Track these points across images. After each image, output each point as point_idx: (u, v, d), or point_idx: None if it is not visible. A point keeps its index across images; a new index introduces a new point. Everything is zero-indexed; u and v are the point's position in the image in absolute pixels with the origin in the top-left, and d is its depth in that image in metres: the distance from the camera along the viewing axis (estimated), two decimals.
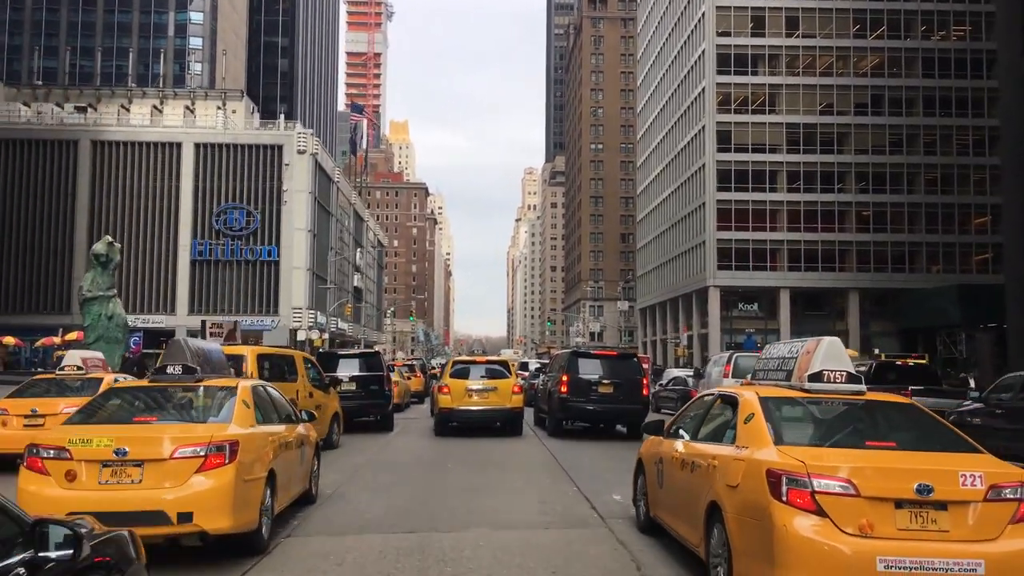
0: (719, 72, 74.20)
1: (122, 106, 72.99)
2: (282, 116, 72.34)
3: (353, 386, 20.23)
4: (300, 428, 9.21)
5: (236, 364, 13.13)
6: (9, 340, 52.49)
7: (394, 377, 29.14)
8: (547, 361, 61.47)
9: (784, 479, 5.30)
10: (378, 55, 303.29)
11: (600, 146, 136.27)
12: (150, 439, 6.77)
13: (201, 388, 7.83)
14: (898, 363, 20.41)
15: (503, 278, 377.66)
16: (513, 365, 22.00)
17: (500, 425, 19.21)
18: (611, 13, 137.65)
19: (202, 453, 6.63)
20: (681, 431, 7.58)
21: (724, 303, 73.57)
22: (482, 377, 18.98)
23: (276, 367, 14.23)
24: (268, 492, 7.35)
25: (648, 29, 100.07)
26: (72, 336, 49.61)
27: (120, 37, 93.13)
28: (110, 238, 44.04)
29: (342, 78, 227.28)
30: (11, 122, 67.99)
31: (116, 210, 66.31)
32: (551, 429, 18.97)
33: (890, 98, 73.58)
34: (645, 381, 18.07)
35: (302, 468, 9.04)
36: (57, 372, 14.21)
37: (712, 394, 7.70)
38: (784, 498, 5.27)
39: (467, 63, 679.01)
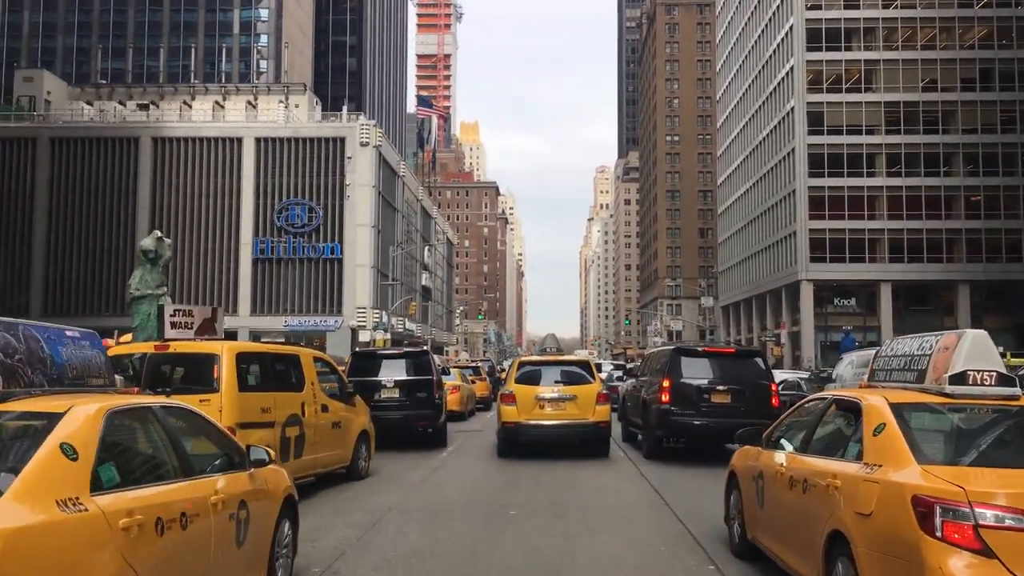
0: (809, 48, 68.57)
1: (184, 102, 71.30)
2: (344, 108, 69.49)
3: (396, 393, 16.45)
4: (242, 480, 5.27)
5: (203, 368, 9.33)
6: None
7: (453, 381, 25.42)
8: (623, 363, 56.85)
9: (937, 509, 4.41)
10: (448, 57, 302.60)
11: (676, 138, 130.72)
12: None
13: None
14: None
15: (575, 280, 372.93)
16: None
17: (580, 443, 15.29)
18: None
19: None
20: (783, 441, 6.71)
21: (817, 299, 67.87)
22: (557, 382, 15.04)
23: (270, 372, 10.38)
24: None
25: (728, 9, 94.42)
26: (126, 338, 47.26)
27: (186, 36, 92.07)
28: (159, 233, 41.14)
29: (411, 80, 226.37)
30: (73, 121, 66.75)
31: (177, 208, 64.40)
32: (648, 450, 14.77)
33: (1001, 72, 66.88)
34: (774, 387, 13.68)
35: (240, 554, 5.07)
36: None
37: (823, 399, 6.79)
38: (938, 533, 4.38)
39: (536, 64, 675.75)
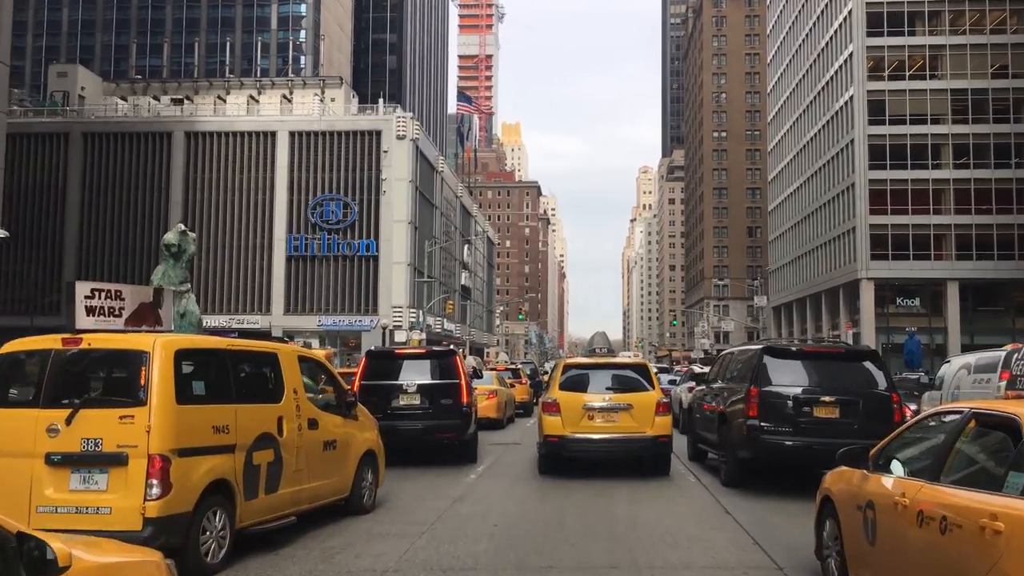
0: (869, 34, 64.69)
1: (218, 97, 69.73)
2: (381, 100, 67.24)
3: (417, 399, 13.95)
4: None
5: (127, 371, 6.73)
6: None
7: (490, 384, 22.76)
8: (666, 366, 53.07)
9: None
10: (489, 57, 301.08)
11: (723, 134, 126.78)
12: None
13: None
14: None
15: (617, 282, 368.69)
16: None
17: (636, 461, 12.89)
18: None
19: None
20: (897, 463, 5.46)
21: (878, 298, 63.96)
22: (608, 389, 12.73)
23: (231, 377, 7.63)
24: None
25: None
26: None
27: (223, 32, 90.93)
28: (183, 226, 39.20)
29: (452, 80, 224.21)
30: (106, 116, 65.42)
31: (209, 204, 62.69)
32: (728, 475, 11.82)
33: None
34: (896, 399, 10.66)
35: None
36: None
37: (955, 412, 5.28)
38: None
39: (578, 65, 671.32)
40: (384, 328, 36.81)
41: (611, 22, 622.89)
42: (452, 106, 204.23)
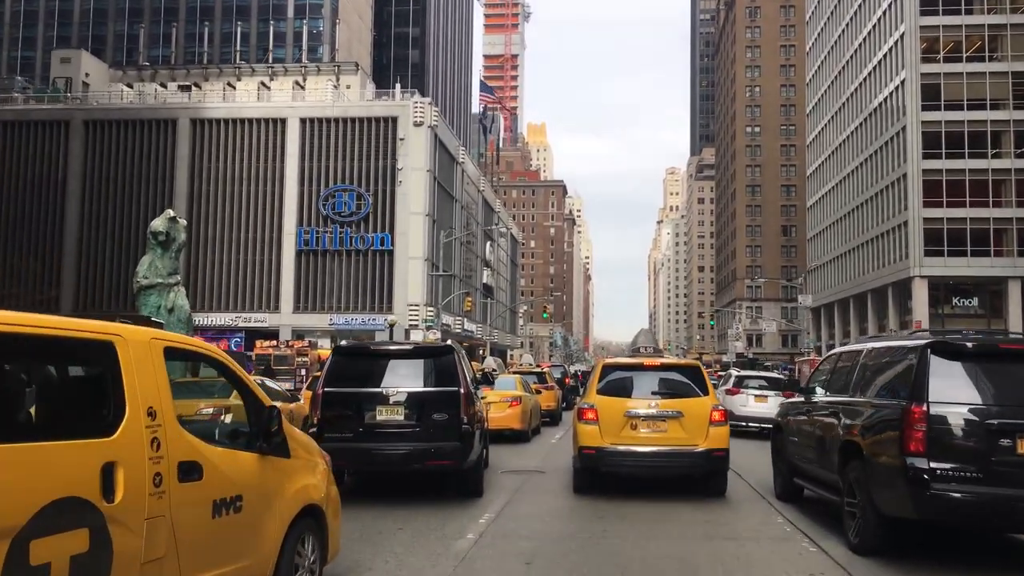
0: (923, 12, 60.01)
1: (228, 84, 66.34)
2: (397, 85, 63.48)
3: (400, 413, 10.09)
4: None
5: None
6: None
7: (514, 390, 19.31)
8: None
9: None
10: (515, 57, 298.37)
11: (756, 129, 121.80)
12: None
13: None
14: None
15: (643, 285, 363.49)
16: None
17: (686, 477, 11.02)
18: None
19: None
20: None
21: (932, 298, 59.17)
22: (654, 393, 10.90)
23: None
24: None
25: None
26: None
27: (239, 20, 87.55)
28: (172, 212, 35.56)
29: (476, 78, 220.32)
30: (110, 103, 62.17)
31: (216, 195, 59.26)
32: (866, 538, 7.60)
33: None
34: None
35: None
36: None
37: None
38: None
39: (604, 66, 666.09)
40: (391, 326, 33.08)
41: (637, 23, 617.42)
42: (476, 104, 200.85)
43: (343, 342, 12.23)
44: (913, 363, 7.27)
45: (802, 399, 10.26)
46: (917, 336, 7.94)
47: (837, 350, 10.50)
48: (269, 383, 15.63)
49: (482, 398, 13.57)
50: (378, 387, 10.22)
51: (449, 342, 12.16)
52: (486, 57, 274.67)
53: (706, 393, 10.77)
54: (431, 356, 10.90)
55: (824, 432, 8.92)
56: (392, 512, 9.36)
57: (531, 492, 10.95)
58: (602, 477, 10.81)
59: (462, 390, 10.21)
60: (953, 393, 6.97)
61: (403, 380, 10.36)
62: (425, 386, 10.38)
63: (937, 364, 7.09)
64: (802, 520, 9.33)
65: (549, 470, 13.28)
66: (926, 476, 6.76)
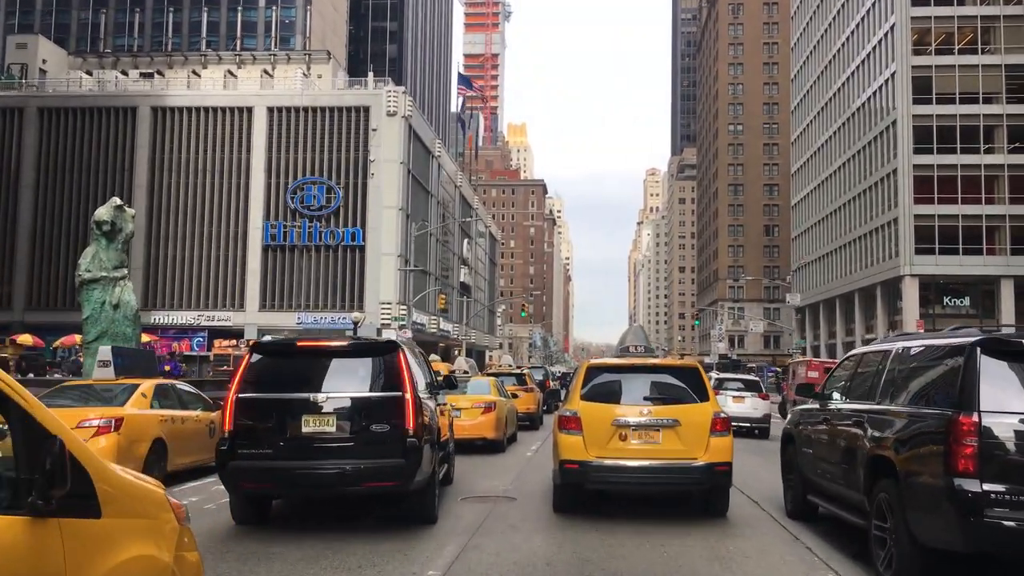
0: (914, 3, 58.36)
1: (193, 72, 63.41)
2: (370, 74, 60.85)
3: (331, 423, 8.20)
4: None
5: None
6: (26, 339, 42.53)
7: (487, 395, 17.41)
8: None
9: None
10: (495, 56, 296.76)
11: (739, 127, 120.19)
12: None
13: None
14: None
15: (623, 287, 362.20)
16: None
17: (681, 494, 10.01)
18: None
19: None
20: None
21: (922, 298, 57.40)
22: (646, 399, 9.48)
23: None
24: None
25: None
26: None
27: (208, 9, 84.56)
28: (119, 200, 32.62)
29: (456, 77, 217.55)
30: (68, 91, 59.08)
31: (178, 188, 56.37)
32: (903, 570, 6.31)
33: None
34: None
35: None
36: None
37: None
38: None
39: (585, 67, 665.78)
40: (356, 323, 30.65)
41: (619, 24, 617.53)
42: (456, 104, 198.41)
43: (266, 337, 9.82)
44: (959, 365, 6.18)
45: (817, 406, 9.11)
46: (962, 333, 6.77)
47: (859, 350, 9.12)
48: (181, 387, 13.06)
49: (443, 404, 11.28)
50: (305, 392, 8.24)
51: (397, 337, 9.78)
52: (467, 56, 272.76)
53: (706, 398, 9.41)
54: (371, 355, 8.83)
55: (846, 445, 7.78)
56: (323, 541, 7.15)
57: (496, 529, 8.51)
58: (588, 495, 9.51)
59: (408, 395, 8.21)
60: (1008, 401, 5.93)
61: (336, 384, 8.46)
62: (363, 391, 8.43)
63: (988, 366, 6.04)
64: (823, 547, 7.89)
65: (522, 494, 10.86)
66: (978, 501, 5.74)
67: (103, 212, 31.12)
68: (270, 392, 8.37)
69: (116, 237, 31.03)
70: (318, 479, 8.06)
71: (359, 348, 9.07)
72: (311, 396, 8.15)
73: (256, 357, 8.79)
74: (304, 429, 8.07)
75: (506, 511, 9.59)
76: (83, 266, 30.79)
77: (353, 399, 8.25)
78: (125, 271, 31.05)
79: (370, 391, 8.41)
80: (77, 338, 39.29)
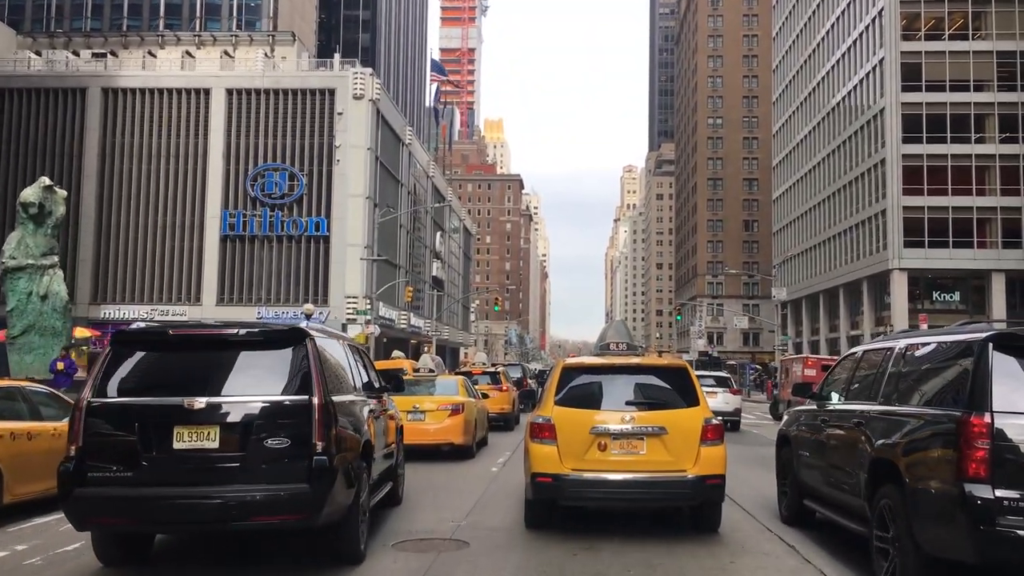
0: None
1: (149, 52, 60.04)
2: (336, 55, 57.88)
3: (213, 436, 6.03)
4: None
5: None
6: None
7: (455, 396, 15.90)
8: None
9: None
10: (472, 51, 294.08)
11: (719, 120, 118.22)
12: None
13: None
14: None
15: (600, 284, 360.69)
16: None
17: (667, 510, 8.96)
18: None
19: None
20: None
21: (911, 292, 55.40)
22: (629, 404, 8.26)
23: None
24: None
25: None
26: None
27: None
28: (48, 180, 29.72)
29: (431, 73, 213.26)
30: (14, 71, 55.53)
31: (130, 174, 53.23)
32: None
33: None
34: None
35: None
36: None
37: None
38: None
39: (562, 64, 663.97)
40: (307, 316, 28.04)
41: (597, 18, 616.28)
42: (431, 96, 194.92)
43: (136, 324, 7.14)
44: (969, 363, 5.81)
45: (814, 406, 8.71)
46: (971, 328, 6.27)
47: (859, 347, 8.61)
48: (34, 389, 10.17)
49: (387, 412, 8.94)
50: (178, 396, 6.13)
51: (306, 325, 7.09)
52: (443, 51, 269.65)
53: (696, 403, 8.43)
54: (271, 346, 6.43)
55: (846, 447, 7.44)
56: None
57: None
58: (564, 511, 8.61)
59: (316, 399, 6.18)
60: (1023, 401, 5.50)
61: (222, 384, 6.31)
62: (257, 394, 6.24)
63: (1001, 363, 5.65)
64: (820, 556, 7.42)
65: (481, 532, 8.18)
66: (990, 508, 5.34)
67: (30, 193, 28.03)
68: (133, 396, 6.22)
69: (45, 221, 28.04)
70: (193, 512, 5.96)
71: (254, 338, 6.47)
72: (185, 401, 6.04)
73: (116, 350, 6.38)
74: (176, 445, 6.02)
75: (452, 568, 6.80)
76: (7, 252, 27.74)
77: (242, 404, 6.13)
78: (55, 258, 28.06)
79: (266, 394, 6.19)
80: (0, 333, 35.71)
